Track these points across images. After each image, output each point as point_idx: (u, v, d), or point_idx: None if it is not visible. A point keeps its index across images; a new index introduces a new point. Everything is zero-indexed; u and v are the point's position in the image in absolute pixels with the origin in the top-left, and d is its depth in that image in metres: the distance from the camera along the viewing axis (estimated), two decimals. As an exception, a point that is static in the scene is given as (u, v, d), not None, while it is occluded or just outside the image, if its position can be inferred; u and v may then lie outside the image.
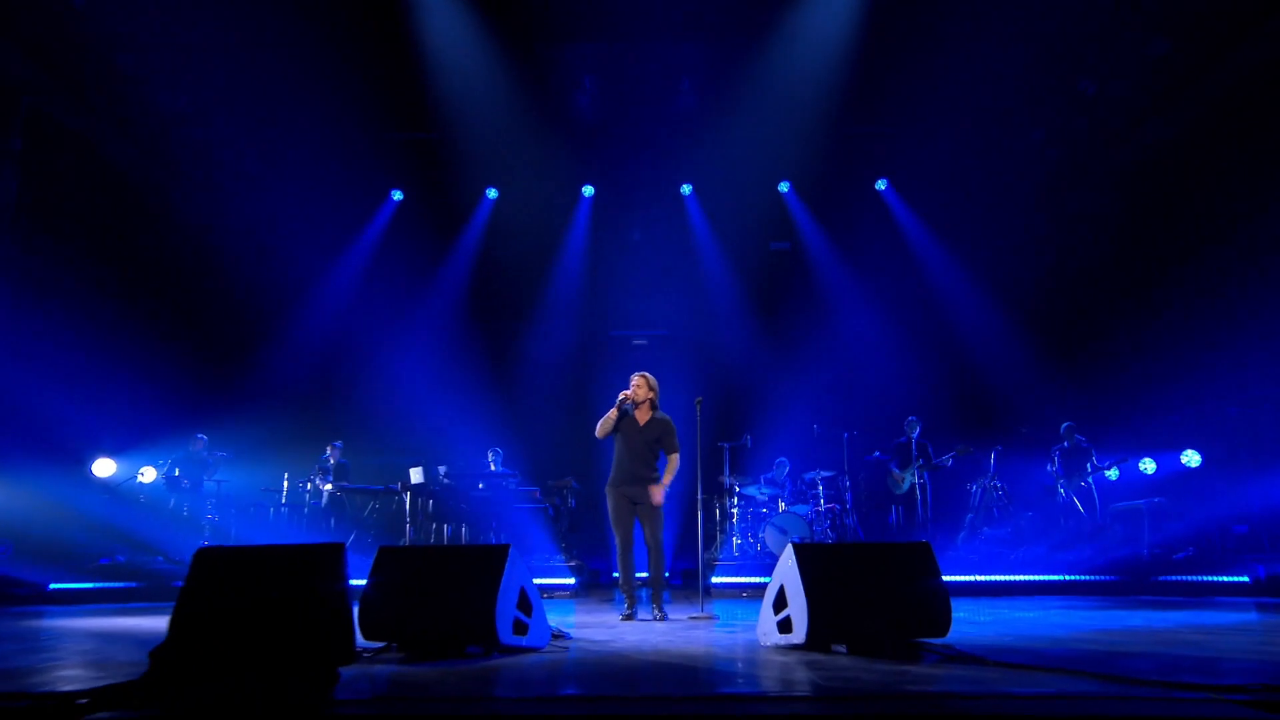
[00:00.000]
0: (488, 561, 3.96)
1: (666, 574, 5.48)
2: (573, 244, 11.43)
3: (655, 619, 5.50)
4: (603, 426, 5.46)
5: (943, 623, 3.84)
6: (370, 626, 3.85)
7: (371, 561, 4.05)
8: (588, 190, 11.22)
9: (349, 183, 10.80)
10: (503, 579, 3.88)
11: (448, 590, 3.89)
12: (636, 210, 11.32)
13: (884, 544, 4.18)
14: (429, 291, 11.34)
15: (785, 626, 4.03)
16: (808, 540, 8.55)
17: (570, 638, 4.64)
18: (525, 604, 4.13)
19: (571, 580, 8.21)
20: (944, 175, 10.72)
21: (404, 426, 10.54)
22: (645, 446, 5.48)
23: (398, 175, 11.06)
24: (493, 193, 11.23)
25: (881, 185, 11.23)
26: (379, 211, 11.26)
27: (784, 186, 11.34)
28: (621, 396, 5.50)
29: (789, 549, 4.07)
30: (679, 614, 5.94)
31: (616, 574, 5.76)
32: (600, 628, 5.27)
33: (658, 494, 5.24)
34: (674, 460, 5.47)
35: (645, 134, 10.37)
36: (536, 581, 7.74)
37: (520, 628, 4.02)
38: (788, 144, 10.25)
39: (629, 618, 5.54)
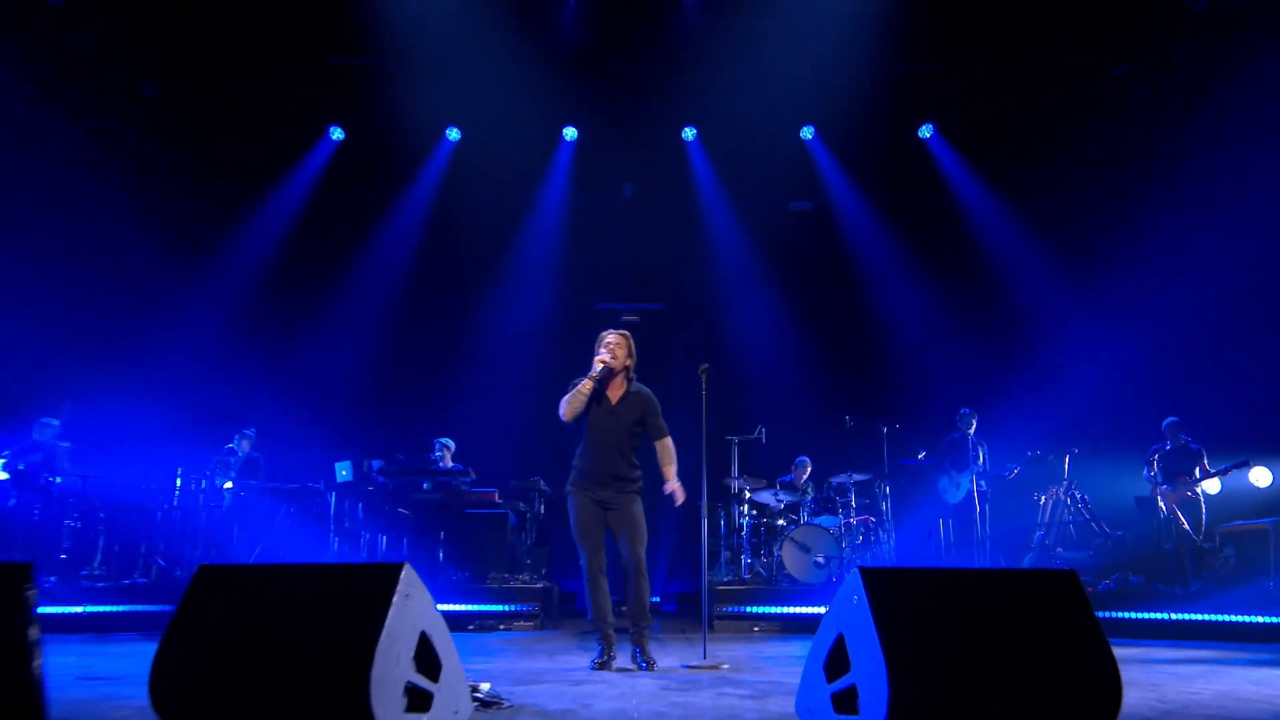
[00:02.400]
0: (364, 594, 2.63)
1: (655, 599, 4.38)
2: (550, 198, 10.70)
3: (638, 669, 4.54)
4: (572, 403, 4.51)
5: (1108, 703, 2.50)
6: (167, 701, 2.47)
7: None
8: (570, 133, 10.41)
9: (275, 116, 9.87)
10: (385, 622, 2.54)
11: (299, 641, 2.56)
12: (629, 158, 10.54)
13: (1004, 574, 2.86)
14: (372, 250, 10.63)
15: (846, 704, 2.73)
16: (835, 560, 7.63)
17: (508, 704, 3.31)
18: (428, 659, 2.81)
19: (535, 607, 7.28)
20: (1002, 119, 9.86)
21: (334, 412, 9.88)
22: (621, 433, 4.57)
23: (338, 109, 10.17)
24: (454, 133, 10.40)
25: (926, 132, 10.38)
26: (314, 152, 10.37)
27: (808, 133, 10.51)
28: (597, 363, 4.55)
29: (855, 578, 2.74)
30: (672, 659, 5.08)
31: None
32: (561, 682, 4.15)
33: (679, 492, 4.54)
34: (668, 445, 4.66)
35: (640, 64, 9.63)
36: (490, 609, 6.93)
37: (418, 700, 2.72)
38: (813, 79, 9.45)
39: (603, 666, 4.57)
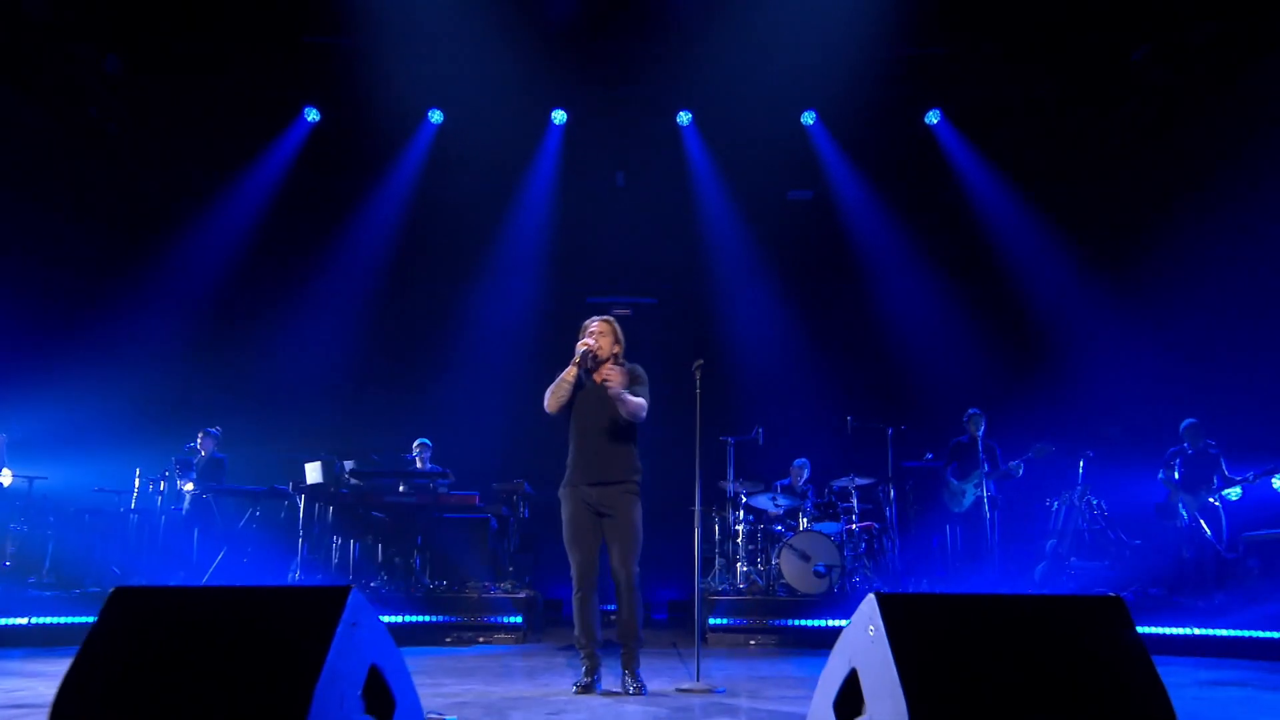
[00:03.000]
0: (303, 623, 2.31)
1: (646, 602, 4.19)
2: (537, 185, 10.47)
3: (626, 692, 4.28)
4: (555, 394, 4.31)
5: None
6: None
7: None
8: (559, 116, 10.14)
9: (246, 96, 9.57)
10: (327, 657, 2.22)
11: (226, 678, 2.25)
12: (620, 144, 10.33)
13: (1041, 601, 2.55)
14: (348, 239, 10.39)
15: (860, 750, 2.38)
16: (836, 570, 7.39)
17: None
18: (378, 697, 2.50)
19: (518, 619, 7.05)
20: (1014, 104, 9.62)
21: (304, 409, 9.59)
22: (608, 418, 4.34)
23: (313, 88, 9.87)
24: (436, 116, 10.12)
25: (934, 118, 10.10)
26: (287, 134, 10.06)
27: (809, 118, 10.24)
28: (581, 348, 4.36)
29: (870, 603, 2.44)
30: (662, 679, 4.80)
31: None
32: (538, 711, 3.85)
33: (613, 375, 4.18)
34: (639, 400, 4.32)
35: (633, 44, 9.35)
36: (470, 620, 6.66)
37: (365, 745, 2.36)
38: (815, 61, 9.21)
39: (586, 689, 4.30)
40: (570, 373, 4.33)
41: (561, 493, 4.41)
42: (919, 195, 10.39)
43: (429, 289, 10.93)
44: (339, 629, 2.38)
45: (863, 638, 2.49)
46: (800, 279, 11.00)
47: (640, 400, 4.34)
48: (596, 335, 4.44)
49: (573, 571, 4.30)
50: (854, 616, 2.61)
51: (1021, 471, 7.86)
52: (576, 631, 4.34)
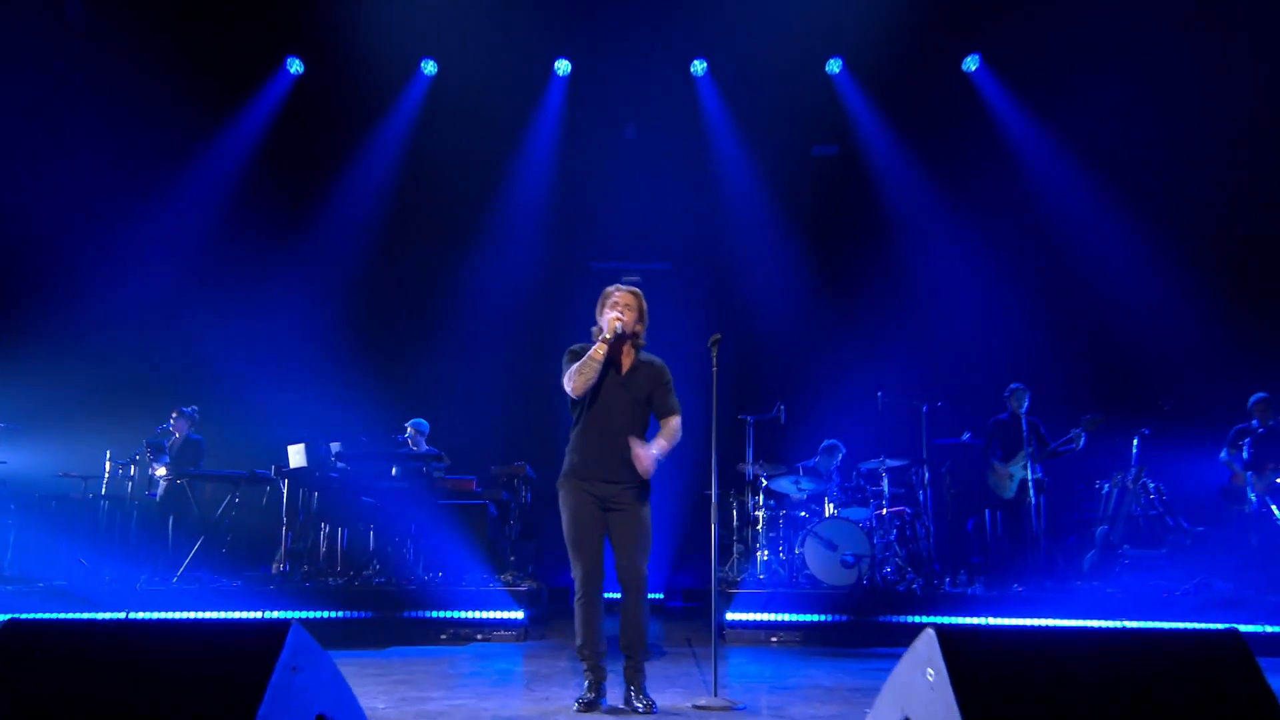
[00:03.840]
0: (233, 667, 1.94)
1: (659, 595, 4.13)
2: (539, 141, 10.39)
3: (634, 710, 4.02)
4: (583, 372, 4.02)
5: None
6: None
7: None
8: (562, 66, 10.08)
9: (224, 46, 9.37)
10: (260, 707, 1.87)
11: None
12: (630, 96, 10.24)
13: (1138, 636, 2.14)
14: (334, 200, 10.25)
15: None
16: (865, 560, 7.14)
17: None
18: (327, 753, 2.09)
19: (519, 614, 6.79)
20: (1060, 49, 9.31)
21: (287, 386, 9.44)
22: (630, 409, 4.14)
23: (296, 38, 9.73)
24: (429, 67, 10.02)
25: (972, 64, 9.87)
26: (268, 87, 9.90)
27: (835, 66, 10.08)
28: (611, 321, 4.05)
29: (928, 641, 2.06)
30: (675, 690, 4.57)
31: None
32: None
33: (645, 456, 3.97)
34: (674, 425, 4.17)
35: None
36: (467, 616, 6.67)
37: (310, 812, 1.99)
38: (842, 4, 9.17)
39: (589, 706, 4.03)
40: (600, 350, 4.02)
41: (562, 486, 4.14)
42: (955, 150, 10.09)
43: (422, 255, 10.84)
44: (275, 674, 2.02)
45: (919, 682, 2.10)
46: (825, 242, 10.84)
47: (678, 420, 4.17)
48: (625, 306, 4.13)
49: (575, 574, 4.03)
50: (906, 655, 2.23)
51: (1083, 443, 7.58)
52: (579, 642, 4.06)
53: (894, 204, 10.40)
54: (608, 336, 4.01)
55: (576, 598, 4.02)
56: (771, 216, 10.63)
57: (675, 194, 10.71)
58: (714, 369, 4.35)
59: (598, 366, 4.01)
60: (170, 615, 6.40)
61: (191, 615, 6.42)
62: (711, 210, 10.74)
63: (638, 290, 4.23)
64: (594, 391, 4.08)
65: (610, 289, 4.21)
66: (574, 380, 4.03)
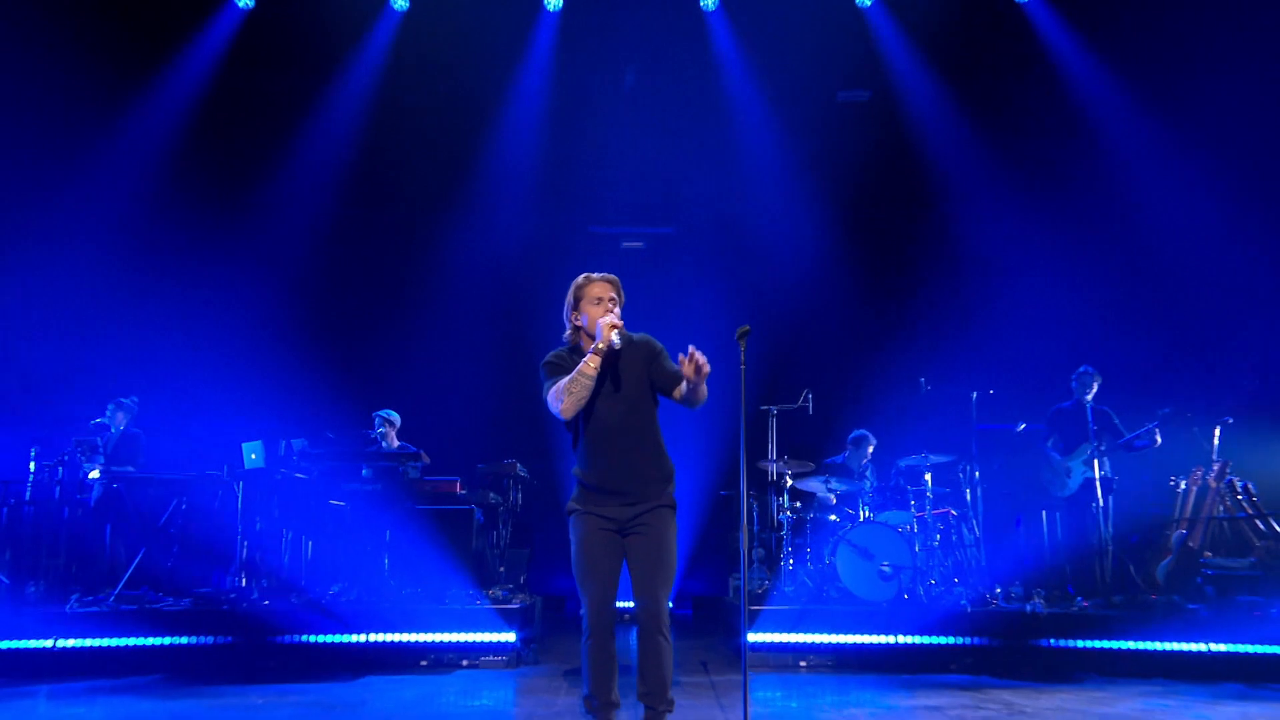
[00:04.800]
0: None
1: (670, 604, 3.91)
2: (527, 89, 10.30)
3: None
4: (574, 392, 3.81)
5: None
6: None
7: None
8: (553, 2, 9.96)
9: None
10: None
11: None
12: (630, 34, 10.12)
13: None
14: (293, 156, 10.19)
15: None
16: (906, 570, 7.08)
17: None
18: None
19: (510, 636, 6.66)
20: None
21: (241, 374, 9.47)
22: (633, 409, 3.93)
23: None
24: (401, 2, 9.91)
25: None
26: (213, 24, 9.78)
27: None
28: (606, 330, 3.84)
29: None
30: None
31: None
32: None
33: (698, 361, 3.69)
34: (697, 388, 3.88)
35: None
36: (450, 639, 6.57)
37: None
38: None
39: None
40: (592, 365, 3.79)
41: (572, 512, 3.95)
42: (1007, 97, 10.06)
43: (393, 222, 10.81)
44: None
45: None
46: (856, 204, 10.73)
47: (702, 387, 3.89)
48: (615, 303, 3.95)
49: (585, 610, 3.81)
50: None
51: (1159, 440, 7.48)
52: (586, 690, 3.82)
53: (935, 160, 10.34)
54: (601, 348, 3.79)
55: (585, 637, 3.81)
56: (793, 173, 10.57)
57: (682, 148, 10.64)
58: (741, 366, 4.11)
59: (591, 384, 3.80)
60: (107, 643, 6.21)
61: (130, 643, 6.23)
62: (724, 166, 10.68)
63: (615, 278, 4.06)
64: (594, 404, 3.88)
65: (583, 281, 4.00)
66: (563, 401, 3.79)
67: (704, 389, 3.78)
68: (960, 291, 10.27)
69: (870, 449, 8.42)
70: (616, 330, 3.82)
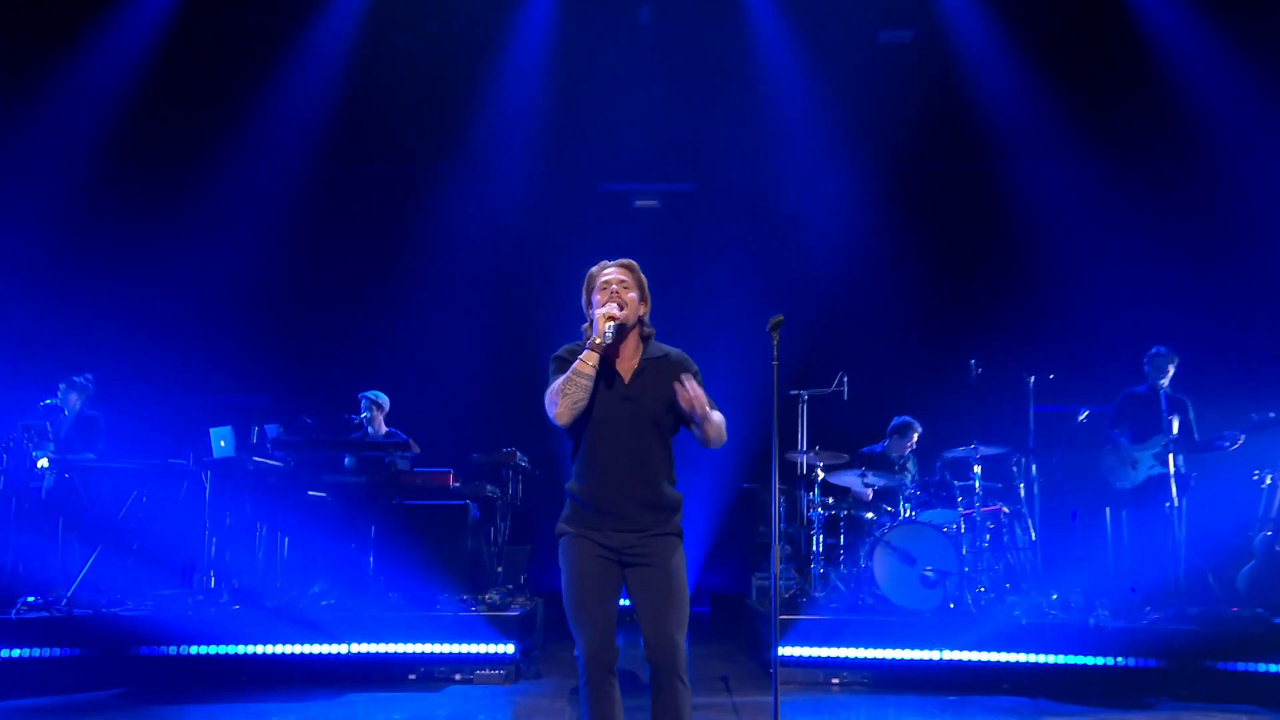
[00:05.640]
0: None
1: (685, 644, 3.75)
2: (530, 28, 10.07)
3: None
4: (569, 396, 3.71)
5: None
6: None
7: None
8: None
9: None
10: None
11: None
12: None
13: None
14: (263, 109, 10.03)
15: None
16: (953, 576, 7.06)
17: None
18: None
19: (508, 648, 6.67)
20: None
21: (210, 352, 9.58)
22: (643, 427, 3.78)
23: None
24: None
25: None
26: None
27: None
28: (601, 319, 3.72)
29: None
30: None
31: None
32: None
33: (695, 394, 3.66)
34: (715, 420, 3.78)
35: None
36: (441, 650, 6.60)
37: None
38: None
39: None
40: (589, 362, 3.64)
41: (562, 535, 3.80)
42: (1074, 39, 9.75)
43: (380, 178, 10.80)
44: None
45: None
46: (899, 159, 10.64)
47: (719, 416, 3.75)
48: (619, 290, 3.76)
49: (580, 650, 3.63)
50: None
51: (1241, 443, 7.43)
52: None
53: (990, 110, 10.20)
54: (598, 341, 3.65)
55: (582, 683, 3.63)
56: (827, 125, 10.44)
57: (703, 94, 10.51)
58: (774, 361, 3.95)
59: (588, 384, 3.65)
60: (58, 654, 6.16)
61: (88, 653, 6.19)
62: (750, 116, 10.53)
63: (633, 264, 3.92)
64: (589, 410, 3.74)
65: (596, 269, 3.87)
66: (558, 403, 3.65)
67: (714, 429, 3.68)
68: (1018, 261, 10.27)
69: (915, 437, 8.41)
70: (613, 322, 3.68)
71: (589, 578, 3.65)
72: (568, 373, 3.64)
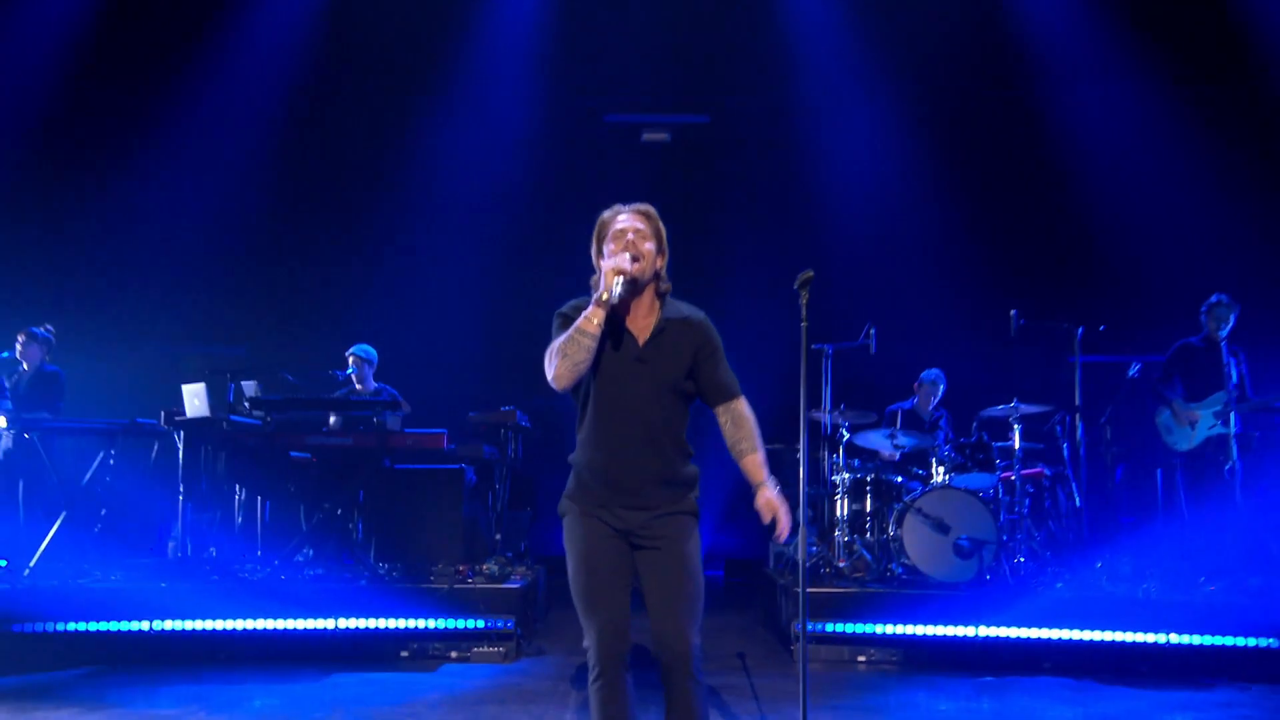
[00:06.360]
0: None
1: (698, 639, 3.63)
2: None
3: None
4: (570, 357, 3.54)
5: None
6: None
7: None
8: None
9: None
10: None
11: None
12: None
13: None
14: (237, 33, 9.96)
15: None
16: (989, 546, 6.99)
17: None
18: None
19: (508, 621, 6.66)
20: None
21: (180, 302, 9.66)
22: (659, 394, 3.63)
23: None
24: None
25: None
26: None
27: None
28: (609, 274, 3.53)
29: None
30: None
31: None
32: None
33: (784, 518, 3.58)
34: (743, 412, 3.72)
35: None
36: (436, 626, 6.58)
37: None
38: None
39: None
40: (595, 319, 3.47)
41: (566, 513, 3.67)
42: None
43: (365, 109, 10.67)
44: None
45: None
46: (934, 86, 10.54)
47: (744, 403, 3.70)
48: (634, 240, 3.56)
49: (589, 643, 3.51)
50: None
51: None
52: None
53: (1033, 31, 10.04)
54: (604, 297, 3.48)
55: (591, 679, 3.52)
56: (855, 47, 10.35)
57: (720, 17, 10.43)
58: (803, 323, 3.82)
59: (591, 344, 3.48)
60: (19, 630, 6.09)
61: (51, 628, 6.14)
62: (770, 40, 10.46)
63: (650, 210, 3.73)
64: (600, 374, 3.60)
65: (609, 215, 3.68)
66: (556, 364, 3.50)
67: (757, 456, 3.65)
68: (1064, 200, 10.18)
69: (941, 390, 8.41)
70: (622, 276, 3.49)
71: (598, 562, 3.54)
72: (570, 330, 3.47)
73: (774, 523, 3.71)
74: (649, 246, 3.57)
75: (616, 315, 3.57)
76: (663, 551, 3.51)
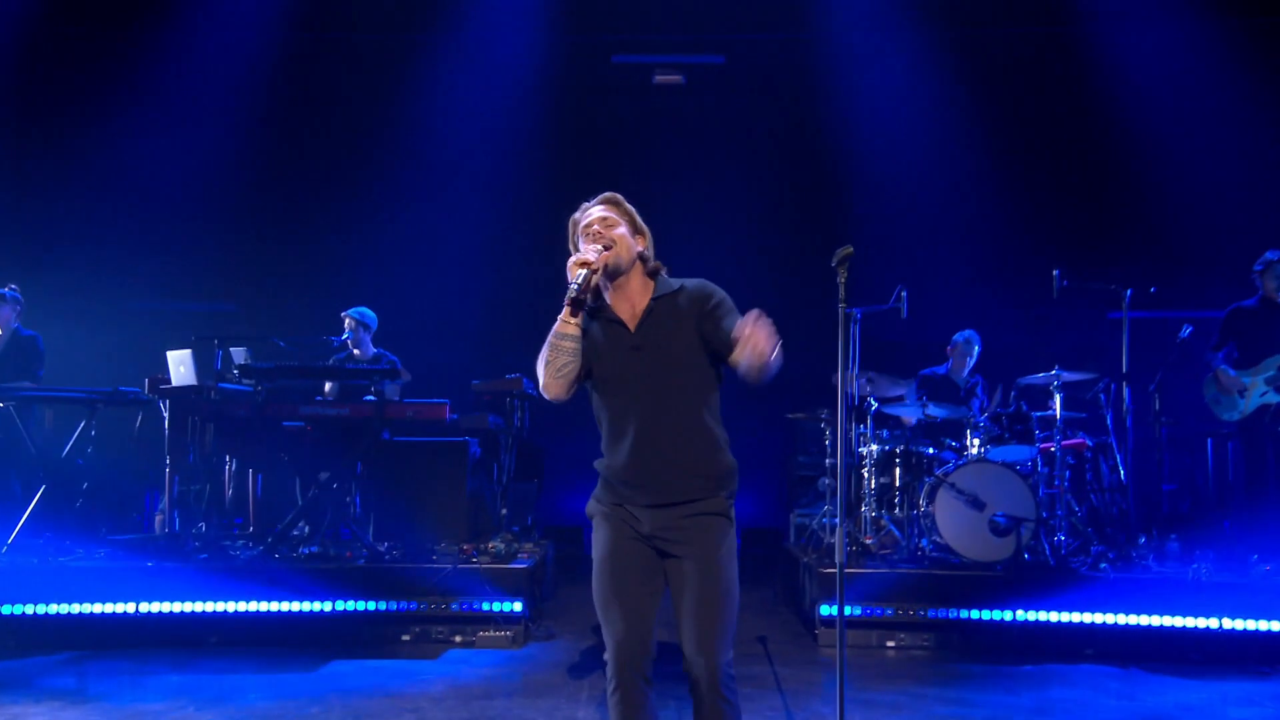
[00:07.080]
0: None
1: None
2: None
3: None
4: (553, 364, 3.56)
5: None
6: None
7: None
8: None
9: None
10: None
11: None
12: None
13: None
14: None
15: None
16: (1028, 524, 6.93)
17: None
18: None
19: (516, 604, 6.65)
20: None
21: (164, 261, 9.64)
22: (667, 378, 3.60)
23: None
24: None
25: None
26: None
27: None
28: (573, 265, 3.59)
29: None
30: None
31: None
32: None
33: (763, 339, 3.35)
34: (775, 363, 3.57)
35: None
36: (439, 609, 6.62)
37: None
38: None
39: None
40: (567, 318, 3.49)
41: (593, 513, 3.65)
42: None
43: (360, 53, 10.66)
44: None
45: None
46: (967, 20, 10.44)
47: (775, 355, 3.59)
48: (600, 232, 3.54)
49: (609, 649, 3.47)
50: None
51: None
52: None
53: None
54: (573, 295, 3.46)
55: (610, 690, 3.46)
56: None
57: None
58: (840, 304, 3.71)
59: (573, 345, 3.47)
60: None
61: (29, 610, 6.10)
62: None
63: (616, 197, 3.70)
64: (600, 373, 3.58)
65: (578, 214, 3.69)
66: (544, 374, 3.50)
67: (766, 363, 3.33)
68: (1110, 149, 10.05)
69: (976, 352, 8.34)
70: (585, 269, 3.46)
71: (620, 565, 3.48)
72: (548, 338, 3.46)
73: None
74: (620, 232, 3.53)
75: (608, 308, 3.56)
76: (692, 562, 3.44)
